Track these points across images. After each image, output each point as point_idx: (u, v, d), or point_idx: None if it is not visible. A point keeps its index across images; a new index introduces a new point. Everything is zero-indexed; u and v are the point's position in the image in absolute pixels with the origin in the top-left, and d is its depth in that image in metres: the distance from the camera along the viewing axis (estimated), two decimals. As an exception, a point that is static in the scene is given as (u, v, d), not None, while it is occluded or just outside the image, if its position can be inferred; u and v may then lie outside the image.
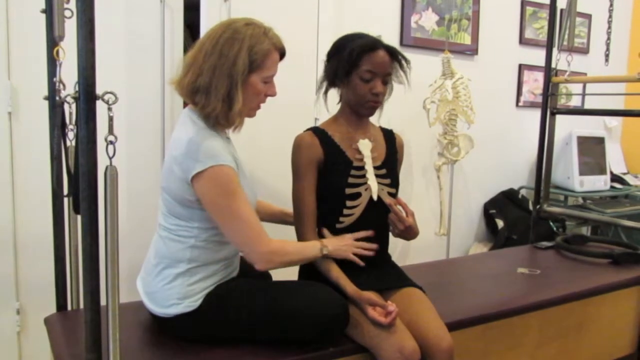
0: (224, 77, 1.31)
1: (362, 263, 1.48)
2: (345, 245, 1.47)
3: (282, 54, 1.41)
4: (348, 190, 1.52)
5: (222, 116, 1.33)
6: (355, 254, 1.48)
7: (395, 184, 1.60)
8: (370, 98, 1.50)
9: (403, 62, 1.54)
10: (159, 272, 1.37)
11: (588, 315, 1.93)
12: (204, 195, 1.29)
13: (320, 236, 1.53)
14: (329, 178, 1.52)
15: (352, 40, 1.50)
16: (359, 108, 1.54)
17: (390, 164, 1.61)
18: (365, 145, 1.56)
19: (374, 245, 1.51)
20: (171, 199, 1.35)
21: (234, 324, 1.35)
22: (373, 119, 1.65)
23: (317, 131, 1.56)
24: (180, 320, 1.35)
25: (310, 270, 1.52)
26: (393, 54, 1.52)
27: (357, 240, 1.50)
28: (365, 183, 1.53)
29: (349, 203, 1.52)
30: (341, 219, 1.53)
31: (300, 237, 1.53)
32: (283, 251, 1.35)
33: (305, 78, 2.24)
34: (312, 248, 1.43)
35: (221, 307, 1.35)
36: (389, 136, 1.67)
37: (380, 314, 1.37)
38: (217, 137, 1.35)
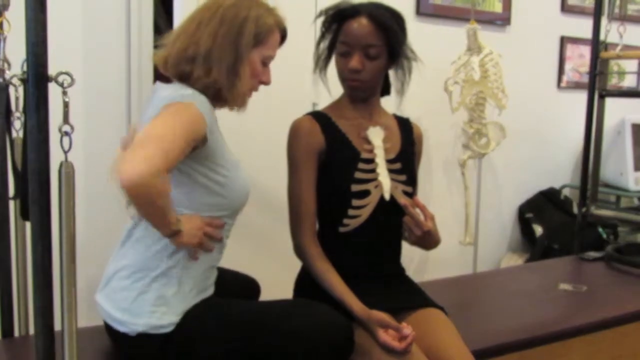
0: (229, 45, 1.33)
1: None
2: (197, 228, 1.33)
3: (282, 36, 1.46)
4: (354, 187, 1.52)
5: (226, 90, 1.35)
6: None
7: (411, 181, 1.60)
8: (347, 76, 1.52)
9: (393, 29, 1.49)
10: (130, 280, 1.36)
11: (645, 340, 1.94)
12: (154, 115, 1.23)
13: (321, 240, 1.54)
14: (332, 172, 1.53)
15: (333, 8, 1.53)
16: (344, 89, 1.58)
17: (406, 157, 1.62)
18: (376, 134, 1.57)
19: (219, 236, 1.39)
20: None
21: (212, 353, 1.35)
22: (388, 105, 1.66)
23: (318, 116, 1.57)
24: (150, 342, 1.35)
25: (308, 285, 1.53)
26: (376, 19, 1.48)
27: None
28: (376, 179, 1.54)
29: (355, 202, 1.53)
30: (345, 221, 1.53)
31: (297, 241, 1.54)
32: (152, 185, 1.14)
33: (300, 54, 2.23)
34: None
35: (199, 332, 1.35)
36: (405, 126, 1.68)
37: (394, 338, 1.37)
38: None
